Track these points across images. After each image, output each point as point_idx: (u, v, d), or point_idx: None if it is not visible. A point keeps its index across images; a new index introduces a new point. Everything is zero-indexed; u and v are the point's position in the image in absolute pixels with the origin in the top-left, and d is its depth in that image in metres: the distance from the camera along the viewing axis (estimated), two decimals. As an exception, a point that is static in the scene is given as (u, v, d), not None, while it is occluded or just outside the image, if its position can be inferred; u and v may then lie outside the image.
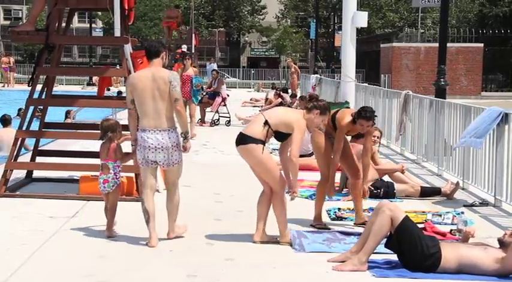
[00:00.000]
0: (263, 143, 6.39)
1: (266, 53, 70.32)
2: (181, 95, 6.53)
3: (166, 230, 6.59)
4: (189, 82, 15.29)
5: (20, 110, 20.63)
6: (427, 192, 9.06)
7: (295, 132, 6.36)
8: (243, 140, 6.44)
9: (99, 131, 7.08)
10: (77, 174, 9.26)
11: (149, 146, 6.39)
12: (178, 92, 6.41)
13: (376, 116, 7.32)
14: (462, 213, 7.93)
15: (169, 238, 6.58)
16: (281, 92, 22.51)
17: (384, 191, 8.87)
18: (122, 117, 15.85)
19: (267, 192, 6.58)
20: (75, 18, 10.17)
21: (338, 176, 9.66)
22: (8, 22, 68.70)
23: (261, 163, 6.42)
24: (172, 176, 6.59)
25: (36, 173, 9.63)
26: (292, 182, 6.46)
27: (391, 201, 8.04)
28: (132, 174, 8.59)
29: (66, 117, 17.91)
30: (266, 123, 6.38)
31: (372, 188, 8.86)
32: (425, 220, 7.52)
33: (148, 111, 6.37)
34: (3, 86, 37.21)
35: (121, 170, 6.95)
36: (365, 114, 7.11)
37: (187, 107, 14.56)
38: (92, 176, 8.66)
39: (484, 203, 8.58)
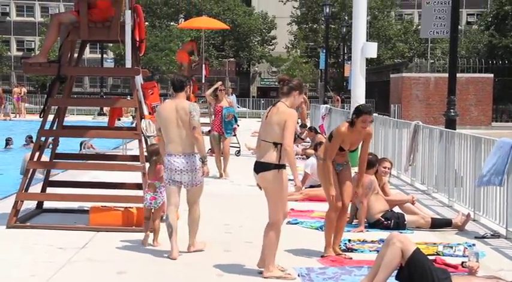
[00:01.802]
0: (283, 166, 6.43)
1: (276, 83, 70.40)
2: (199, 123, 7.20)
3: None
4: (220, 114, 13.96)
5: (7, 139, 20.75)
6: (438, 224, 9.01)
7: (288, 122, 6.36)
8: (262, 167, 6.44)
9: (109, 162, 7.17)
10: (87, 205, 9.27)
11: (175, 169, 7.14)
12: (197, 121, 7.14)
13: (371, 108, 7.46)
14: (473, 245, 7.87)
15: (189, 251, 7.23)
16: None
17: (394, 222, 8.84)
18: (132, 147, 15.91)
19: None
20: (87, 49, 10.28)
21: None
22: (20, 53, 69.30)
23: (276, 190, 6.42)
24: (194, 196, 7.31)
25: (47, 204, 9.66)
26: (295, 173, 6.47)
27: (402, 232, 7.99)
28: (142, 205, 8.58)
29: (81, 148, 17.98)
30: (275, 144, 6.40)
31: (383, 219, 8.83)
32: (436, 252, 7.47)
33: (174, 137, 7.17)
34: (15, 116, 37.47)
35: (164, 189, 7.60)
36: (364, 108, 7.26)
37: (221, 142, 13.81)
38: (102, 206, 8.68)
39: (496, 235, 8.52)
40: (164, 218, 7.46)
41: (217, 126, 13.92)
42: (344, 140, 7.30)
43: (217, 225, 8.82)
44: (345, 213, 7.49)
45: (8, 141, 20.83)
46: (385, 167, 9.47)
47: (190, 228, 7.34)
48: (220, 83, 15.06)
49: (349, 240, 7.95)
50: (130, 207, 8.69)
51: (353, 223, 9.01)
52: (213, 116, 14.67)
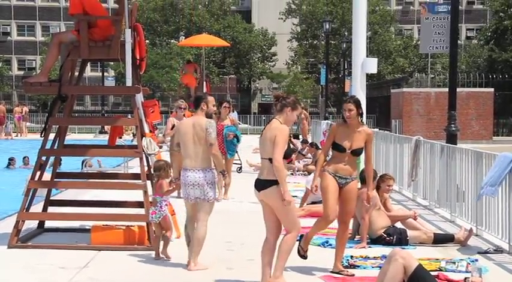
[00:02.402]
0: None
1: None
2: (216, 140, 7.47)
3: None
4: (222, 133, 13.08)
5: (10, 159, 20.87)
6: (441, 239, 8.99)
7: (277, 137, 6.41)
8: (262, 185, 6.48)
9: (110, 181, 7.19)
10: (88, 224, 9.26)
11: (188, 183, 7.37)
12: (213, 137, 7.40)
13: (351, 97, 7.56)
14: (476, 260, 7.84)
15: (189, 270, 7.29)
16: (292, 138, 22.52)
17: (396, 238, 8.81)
18: (133, 165, 15.91)
19: (270, 240, 6.63)
20: (88, 67, 10.29)
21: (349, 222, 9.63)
22: (22, 72, 69.54)
23: (281, 204, 6.44)
24: (203, 211, 7.40)
25: (48, 223, 9.64)
26: (284, 188, 6.41)
27: (404, 248, 7.97)
28: (144, 224, 8.58)
29: (83, 166, 17.99)
30: (270, 160, 6.43)
31: (385, 235, 8.80)
32: (439, 268, 7.44)
33: (190, 153, 7.44)
34: (17, 136, 37.50)
35: (167, 204, 8.03)
36: (345, 99, 7.39)
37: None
38: (103, 225, 8.66)
39: (499, 250, 8.49)
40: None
41: (219, 146, 13.28)
42: (337, 136, 7.22)
43: (218, 243, 8.79)
44: (346, 229, 7.45)
45: (11, 161, 20.91)
46: (389, 185, 9.44)
47: (194, 244, 7.35)
48: (226, 102, 13.99)
49: (352, 257, 7.93)
50: (131, 226, 8.68)
51: (355, 239, 8.99)
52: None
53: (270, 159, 6.42)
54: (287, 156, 6.52)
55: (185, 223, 7.64)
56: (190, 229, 7.47)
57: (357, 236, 9.07)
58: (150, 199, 8.28)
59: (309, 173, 14.36)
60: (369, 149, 7.36)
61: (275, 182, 6.41)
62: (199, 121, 7.50)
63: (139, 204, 8.93)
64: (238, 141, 13.41)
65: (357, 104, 7.21)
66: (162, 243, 7.99)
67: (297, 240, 7.05)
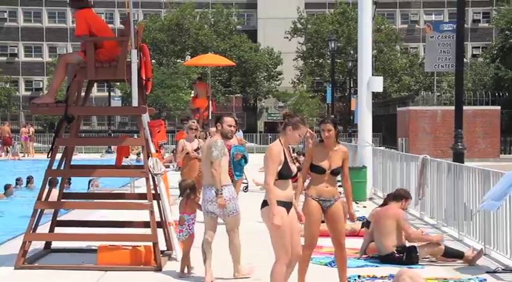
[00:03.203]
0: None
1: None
2: (216, 158, 7.76)
3: None
4: (229, 153, 11.70)
5: (17, 180, 20.97)
6: (451, 253, 8.93)
7: (265, 158, 6.37)
8: (261, 205, 6.46)
9: (116, 201, 7.16)
10: (95, 244, 9.24)
11: (207, 199, 7.77)
12: (214, 156, 7.76)
13: (329, 117, 7.45)
14: (485, 280, 7.79)
15: (235, 278, 7.82)
16: (297, 156, 22.49)
17: (406, 255, 8.76)
18: (140, 184, 15.89)
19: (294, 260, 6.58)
20: (94, 87, 10.30)
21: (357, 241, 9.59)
22: (29, 93, 69.87)
23: (270, 228, 6.36)
24: (231, 225, 7.85)
25: (55, 244, 9.63)
26: (272, 210, 6.27)
27: (412, 268, 7.93)
28: (150, 244, 8.56)
29: (89, 186, 18.01)
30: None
31: (395, 252, 8.75)
32: (447, 287, 7.39)
33: (206, 171, 7.90)
34: (24, 156, 37.60)
35: (194, 222, 8.24)
36: (323, 119, 7.32)
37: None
38: (110, 245, 8.65)
39: (508, 270, 8.42)
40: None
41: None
42: (314, 157, 7.13)
43: (224, 262, 8.75)
44: (343, 250, 7.27)
45: (18, 182, 21.02)
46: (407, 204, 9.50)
47: (232, 255, 7.89)
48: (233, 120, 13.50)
49: (359, 276, 7.89)
50: (138, 246, 8.66)
51: (362, 258, 8.95)
52: None
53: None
54: (286, 176, 6.40)
55: (203, 238, 7.87)
56: (207, 245, 7.75)
57: (363, 255, 9.03)
58: (178, 217, 8.37)
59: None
60: (346, 167, 7.30)
61: (266, 203, 6.35)
62: (210, 141, 8.06)
63: (146, 224, 8.91)
64: (246, 162, 12.81)
65: (335, 124, 7.24)
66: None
67: None
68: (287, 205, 6.38)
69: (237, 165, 12.34)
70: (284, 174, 6.36)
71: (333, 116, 7.65)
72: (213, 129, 12.86)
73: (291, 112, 6.77)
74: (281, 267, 6.35)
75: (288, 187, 6.43)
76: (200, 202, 8.13)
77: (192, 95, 25.69)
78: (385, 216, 8.93)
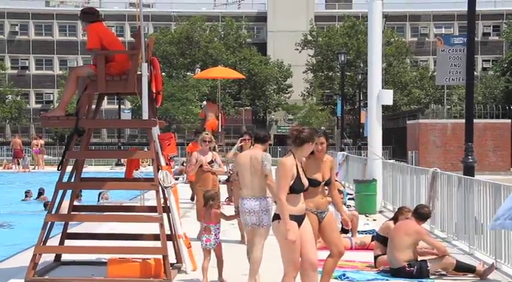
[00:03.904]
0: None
1: (292, 131, 70.53)
2: (271, 172, 7.71)
3: None
4: None
5: (27, 192, 21.08)
6: (462, 267, 8.88)
7: (276, 173, 6.51)
8: (273, 218, 6.52)
9: (126, 214, 7.17)
10: (105, 257, 9.24)
11: (245, 210, 7.91)
12: (268, 169, 7.87)
13: (321, 131, 7.58)
14: (496, 294, 7.74)
15: None
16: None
17: (417, 269, 8.72)
18: (149, 197, 15.89)
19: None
20: (105, 100, 10.31)
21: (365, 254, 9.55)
22: (39, 106, 70.27)
23: (279, 241, 6.44)
24: (258, 236, 7.86)
25: (65, 256, 9.64)
26: (286, 224, 6.31)
27: (422, 282, 7.88)
28: (160, 256, 8.55)
29: (99, 198, 18.04)
30: None
31: (406, 266, 8.71)
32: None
33: (247, 182, 7.97)
34: (34, 168, 37.74)
35: (219, 232, 8.55)
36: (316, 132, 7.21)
37: None
38: (119, 258, 8.64)
39: (518, 283, 8.38)
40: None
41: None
42: (307, 169, 7.01)
43: (235, 276, 8.74)
44: (337, 261, 7.27)
45: (27, 194, 21.12)
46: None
47: (250, 267, 7.93)
48: (247, 134, 13.09)
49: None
50: (148, 259, 8.66)
51: (373, 271, 8.92)
52: (230, 165, 14.17)
53: None
54: (298, 191, 6.41)
55: (246, 248, 8.21)
56: (254, 253, 7.90)
57: (374, 269, 9.00)
58: (203, 227, 8.62)
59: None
60: (333, 176, 7.45)
61: (278, 217, 6.39)
62: (255, 154, 8.05)
63: (156, 237, 8.91)
64: None
65: (327, 137, 7.52)
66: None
67: None
68: (298, 219, 6.39)
69: None
70: (296, 189, 6.40)
71: (323, 128, 7.70)
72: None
73: (299, 127, 6.77)
74: (289, 281, 6.40)
75: (300, 200, 6.44)
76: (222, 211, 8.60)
77: (200, 111, 25.70)
78: (405, 232, 8.85)
